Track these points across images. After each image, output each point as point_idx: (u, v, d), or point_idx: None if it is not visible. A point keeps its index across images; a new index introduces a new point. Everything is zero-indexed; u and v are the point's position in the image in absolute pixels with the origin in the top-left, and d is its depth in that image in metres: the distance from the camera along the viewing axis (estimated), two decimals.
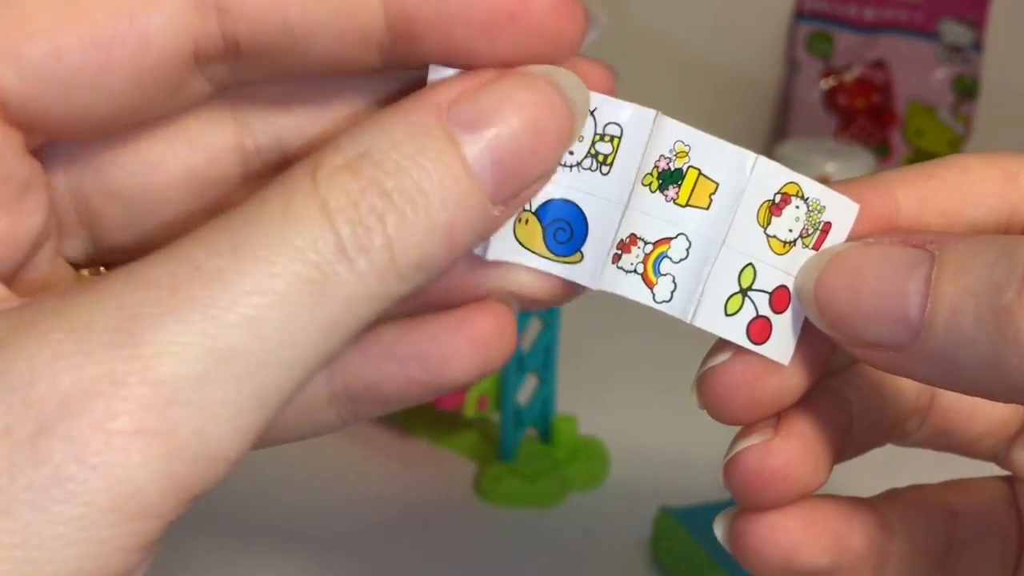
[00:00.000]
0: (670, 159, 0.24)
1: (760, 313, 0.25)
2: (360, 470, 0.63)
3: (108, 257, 0.25)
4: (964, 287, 0.23)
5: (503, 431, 0.62)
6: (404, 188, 0.21)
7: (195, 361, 0.20)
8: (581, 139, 0.23)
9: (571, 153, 0.23)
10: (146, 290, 0.20)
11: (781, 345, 0.25)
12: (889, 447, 0.31)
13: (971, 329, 0.22)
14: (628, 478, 0.63)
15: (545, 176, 0.23)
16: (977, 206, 0.26)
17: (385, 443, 0.66)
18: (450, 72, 0.23)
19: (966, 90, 0.98)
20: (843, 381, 0.28)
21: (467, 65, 0.23)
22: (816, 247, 0.25)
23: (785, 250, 0.25)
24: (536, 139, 0.22)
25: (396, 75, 0.24)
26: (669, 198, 0.24)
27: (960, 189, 0.26)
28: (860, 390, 0.28)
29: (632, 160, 0.23)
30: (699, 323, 0.25)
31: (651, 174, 0.24)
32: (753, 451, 0.26)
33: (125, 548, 0.20)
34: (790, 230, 0.25)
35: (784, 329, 0.25)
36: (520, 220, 0.24)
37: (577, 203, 0.24)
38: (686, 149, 0.24)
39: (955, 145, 0.97)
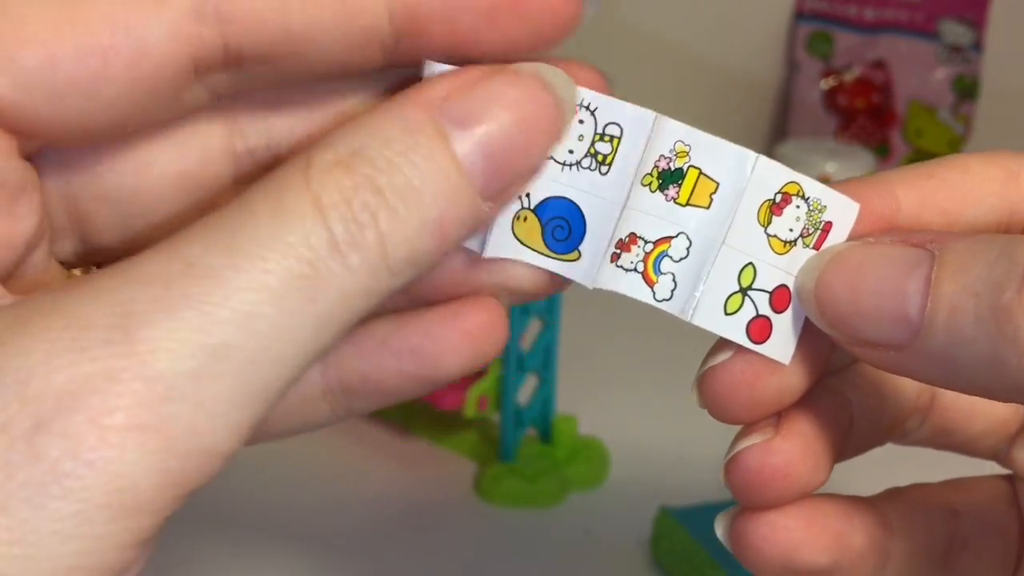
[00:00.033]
0: (670, 159, 0.24)
1: (760, 312, 0.25)
2: (360, 470, 0.63)
3: (98, 257, 0.25)
4: (964, 286, 0.23)
5: (503, 431, 0.62)
6: (396, 185, 0.21)
7: (189, 357, 0.20)
8: (581, 138, 0.24)
9: (571, 152, 0.24)
10: (140, 287, 0.20)
11: (781, 344, 0.25)
12: (889, 446, 0.31)
13: (971, 328, 0.22)
14: (628, 478, 0.63)
15: (534, 172, 0.23)
16: (977, 205, 0.26)
17: (385, 443, 0.66)
18: (446, 68, 0.23)
19: (966, 90, 0.98)
20: (843, 380, 0.28)
21: (470, 56, 0.23)
22: (817, 246, 0.25)
23: (785, 249, 0.25)
24: (526, 136, 0.22)
25: (390, 73, 0.24)
26: (669, 197, 0.24)
27: (960, 188, 0.26)
28: (860, 389, 0.28)
29: (631, 160, 0.24)
30: (698, 322, 0.25)
31: (651, 174, 0.24)
32: (754, 450, 0.26)
33: (121, 544, 0.20)
34: (790, 229, 0.25)
35: (784, 328, 0.25)
36: (519, 218, 0.24)
37: (576, 202, 0.24)
38: (686, 149, 0.24)
39: (955, 145, 0.97)
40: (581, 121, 0.24)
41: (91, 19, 0.22)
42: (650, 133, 0.24)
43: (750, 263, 0.25)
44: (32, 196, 0.23)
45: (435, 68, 0.23)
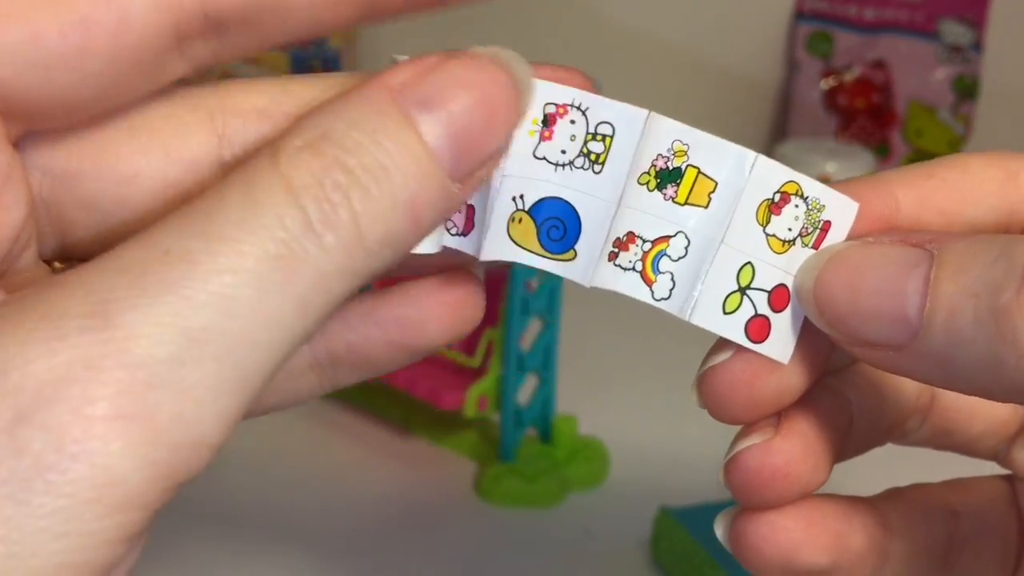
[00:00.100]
0: (668, 158, 0.24)
1: (759, 312, 0.25)
2: (360, 470, 0.64)
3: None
4: (963, 287, 0.23)
5: (503, 431, 0.62)
6: (366, 165, 0.21)
7: (170, 343, 0.20)
8: (573, 138, 0.24)
9: (563, 152, 0.24)
10: (117, 276, 0.20)
11: (780, 344, 0.25)
12: (889, 446, 0.31)
13: (970, 329, 0.22)
14: (628, 478, 0.63)
15: (499, 154, 0.23)
16: (977, 205, 0.26)
17: (385, 443, 0.66)
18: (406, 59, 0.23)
19: (966, 90, 0.98)
20: (843, 380, 0.28)
21: (434, 8, 0.23)
22: (815, 246, 0.25)
23: (784, 249, 0.25)
24: (488, 115, 0.22)
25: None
26: (668, 196, 0.24)
27: (960, 188, 0.26)
28: (860, 389, 0.28)
29: (624, 159, 0.24)
30: (697, 321, 0.25)
31: (648, 173, 0.24)
32: (753, 450, 0.26)
33: (110, 540, 0.19)
34: (789, 229, 0.25)
35: (783, 328, 0.25)
36: (513, 219, 0.24)
37: (570, 201, 0.24)
38: (684, 148, 0.24)
39: (955, 145, 0.97)
40: (573, 121, 0.24)
41: None
42: (643, 131, 0.24)
43: (749, 262, 0.25)
44: (18, 187, 0.23)
45: (399, 60, 0.23)
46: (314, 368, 0.26)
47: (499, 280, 0.60)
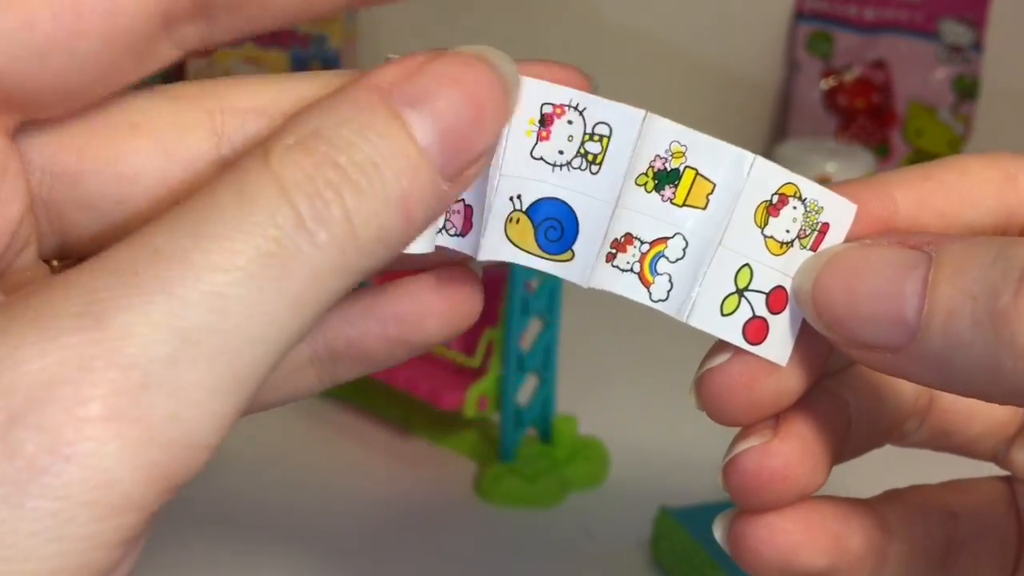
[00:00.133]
0: (666, 159, 0.24)
1: (756, 314, 0.25)
2: (360, 470, 0.64)
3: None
4: (961, 289, 0.23)
5: (503, 431, 0.62)
6: (357, 161, 0.21)
7: (163, 343, 0.19)
8: (571, 139, 0.24)
9: (560, 153, 0.24)
10: (108, 276, 0.20)
11: (778, 346, 0.25)
12: (888, 448, 0.31)
13: (967, 332, 0.22)
14: (628, 478, 0.63)
15: (488, 152, 0.23)
16: (975, 207, 0.26)
17: (385, 443, 0.66)
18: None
19: (966, 90, 0.98)
20: (841, 382, 0.28)
21: None
22: (814, 248, 0.25)
23: (782, 251, 0.25)
24: (476, 111, 0.22)
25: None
26: (666, 198, 0.24)
27: (958, 190, 0.26)
28: (858, 391, 0.28)
29: (621, 159, 0.24)
30: (694, 323, 0.25)
31: (646, 174, 0.24)
32: (752, 453, 0.26)
33: (107, 543, 0.19)
34: (787, 231, 0.25)
35: (781, 330, 0.25)
36: (511, 220, 0.24)
37: (567, 202, 0.24)
38: (682, 149, 0.24)
39: (955, 145, 0.97)
40: (570, 122, 0.24)
41: None
42: (639, 131, 0.24)
43: (746, 264, 0.25)
44: (16, 181, 0.23)
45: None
46: (313, 363, 0.26)
47: (499, 280, 0.60)
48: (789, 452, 0.26)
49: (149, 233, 0.21)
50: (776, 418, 0.27)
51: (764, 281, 0.25)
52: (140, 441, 0.19)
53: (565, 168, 0.24)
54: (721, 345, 0.26)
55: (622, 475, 0.63)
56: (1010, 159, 0.27)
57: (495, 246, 0.24)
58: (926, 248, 0.24)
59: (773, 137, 1.03)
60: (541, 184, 0.24)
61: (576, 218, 0.24)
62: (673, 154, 0.24)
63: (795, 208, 0.25)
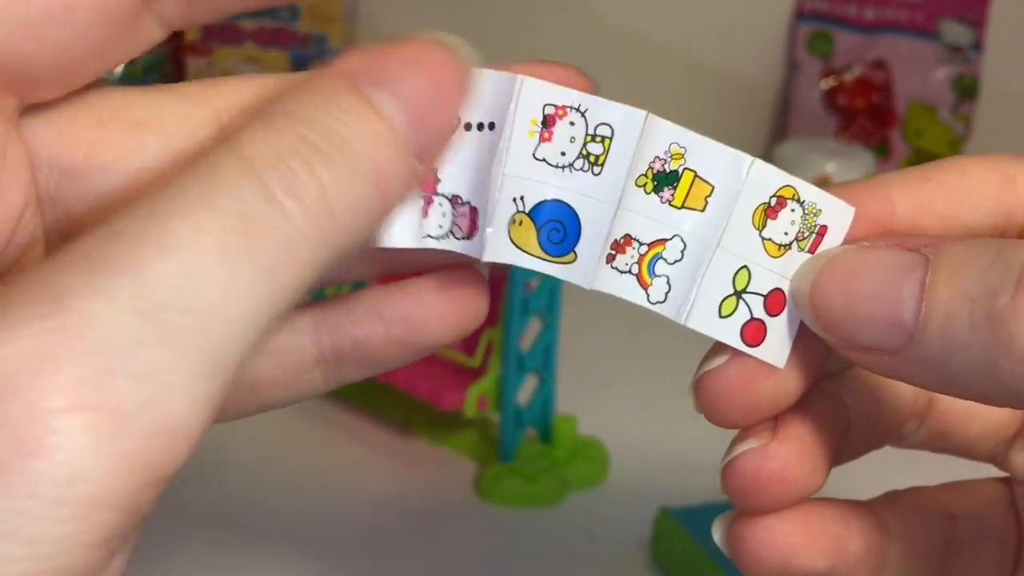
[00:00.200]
0: (665, 161, 0.24)
1: (754, 316, 0.25)
2: (360, 470, 0.64)
3: None
4: (959, 291, 0.23)
5: (503, 431, 0.62)
6: (328, 137, 0.21)
7: (129, 326, 0.18)
8: (573, 140, 0.24)
9: (563, 154, 0.24)
10: (70, 263, 0.19)
11: (776, 348, 0.25)
12: (887, 449, 0.31)
13: (965, 334, 0.22)
14: (628, 478, 0.63)
15: (451, 130, 0.23)
16: (973, 209, 0.26)
17: (385, 443, 0.66)
18: None
19: (966, 90, 0.97)
20: (840, 384, 0.28)
21: None
22: (812, 250, 0.25)
23: (780, 253, 0.25)
24: (438, 91, 0.22)
25: None
26: (664, 200, 0.24)
27: (956, 192, 0.26)
28: (857, 393, 0.28)
29: (623, 160, 0.24)
30: (692, 324, 0.25)
31: (645, 175, 0.24)
32: (750, 455, 0.26)
33: (85, 544, 0.18)
34: (785, 233, 0.25)
35: (779, 332, 0.25)
36: (514, 222, 0.24)
37: (570, 204, 0.24)
38: (682, 151, 0.24)
39: (955, 145, 0.97)
40: (572, 123, 0.24)
41: None
42: (641, 132, 0.24)
43: (744, 266, 0.25)
44: (18, 169, 0.23)
45: None
46: (319, 364, 0.26)
47: (499, 280, 0.60)
48: (788, 454, 0.26)
49: (114, 219, 0.20)
50: (774, 420, 0.27)
51: (762, 283, 0.25)
52: (111, 431, 0.18)
53: (567, 169, 0.24)
54: (718, 347, 0.26)
55: (622, 475, 0.63)
56: (1009, 161, 0.27)
57: (499, 248, 0.24)
58: (924, 250, 0.24)
59: (773, 137, 1.03)
60: (544, 186, 0.24)
61: (579, 220, 0.24)
62: (672, 156, 0.24)
63: (793, 210, 0.25)
